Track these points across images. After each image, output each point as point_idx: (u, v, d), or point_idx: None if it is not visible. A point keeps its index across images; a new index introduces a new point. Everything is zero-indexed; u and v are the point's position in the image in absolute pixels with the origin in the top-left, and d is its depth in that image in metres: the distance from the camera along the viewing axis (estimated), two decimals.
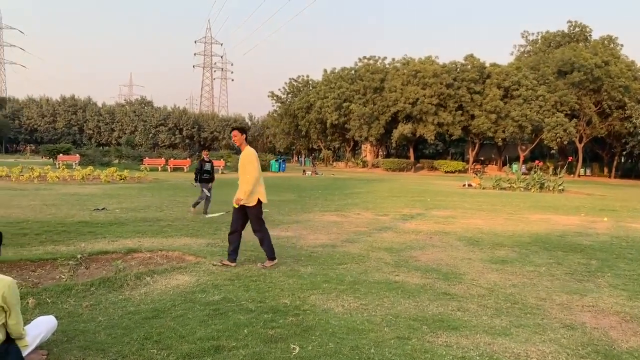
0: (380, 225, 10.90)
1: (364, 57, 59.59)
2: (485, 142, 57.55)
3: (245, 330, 4.15)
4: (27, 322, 3.59)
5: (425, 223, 11.54)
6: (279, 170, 43.40)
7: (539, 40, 58.92)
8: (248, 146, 6.72)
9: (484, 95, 50.43)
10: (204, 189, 12.37)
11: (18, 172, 21.89)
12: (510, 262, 7.41)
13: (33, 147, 76.53)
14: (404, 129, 51.75)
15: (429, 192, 22.24)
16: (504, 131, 49.85)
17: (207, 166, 12.56)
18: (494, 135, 51.17)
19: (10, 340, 3.31)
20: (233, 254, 6.59)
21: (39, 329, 3.60)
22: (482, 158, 59.90)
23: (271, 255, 6.64)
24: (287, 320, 4.43)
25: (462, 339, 4.15)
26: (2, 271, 3.42)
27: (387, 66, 58.21)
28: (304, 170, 43.22)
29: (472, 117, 51.30)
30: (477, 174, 34.21)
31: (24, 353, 3.36)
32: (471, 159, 56.35)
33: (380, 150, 65.12)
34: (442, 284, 5.97)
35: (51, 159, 40.71)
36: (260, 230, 6.64)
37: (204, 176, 12.46)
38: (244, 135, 6.71)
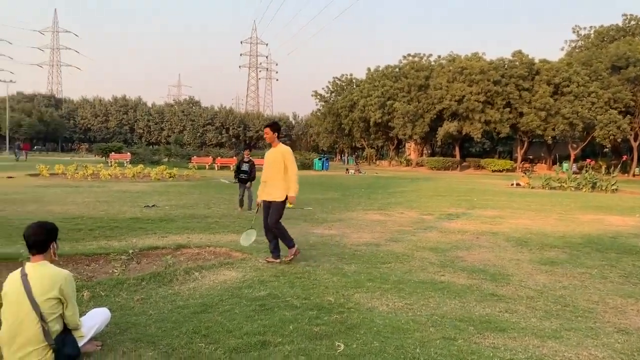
0: (424, 225, 10.79)
1: (409, 55, 58.98)
2: (534, 140, 55.91)
3: (291, 327, 4.20)
4: (82, 314, 3.75)
5: (471, 223, 11.34)
6: (322, 169, 43.57)
7: (592, 35, 56.78)
8: (281, 143, 6.76)
9: (532, 92, 48.99)
10: (240, 188, 12.66)
11: (73, 170, 22.79)
12: (560, 263, 7.20)
13: (87, 146, 79.52)
14: (449, 127, 50.94)
15: (476, 192, 21.82)
16: (554, 129, 48.28)
17: (245, 166, 12.77)
18: (544, 133, 49.63)
19: (67, 331, 3.46)
20: (276, 251, 6.67)
21: (93, 321, 3.75)
22: (530, 157, 58.20)
23: (277, 254, 6.63)
24: (331, 318, 4.45)
25: (510, 341, 4.07)
26: (58, 265, 3.59)
27: (433, 63, 57.39)
28: (347, 169, 43.18)
29: (521, 114, 49.92)
30: (525, 173, 33.28)
31: (80, 343, 3.51)
32: (519, 158, 54.85)
33: (424, 148, 64.29)
34: (489, 285, 5.86)
35: (104, 157, 42.21)
36: (278, 227, 6.61)
37: (241, 176, 12.70)
38: (276, 133, 6.70)
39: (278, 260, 6.62)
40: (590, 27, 57.67)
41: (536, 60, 50.85)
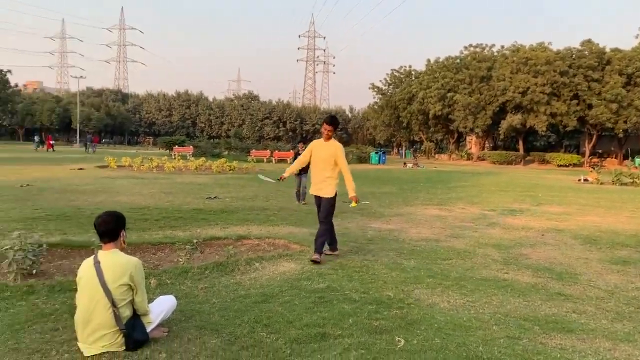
0: (487, 221, 10.50)
1: (470, 45, 57.39)
2: (603, 133, 53.08)
3: (350, 320, 4.20)
4: (150, 301, 3.89)
5: (536, 219, 10.94)
6: (379, 163, 43.22)
7: None
8: (334, 139, 6.51)
9: (602, 83, 46.53)
10: (296, 180, 12.75)
11: (139, 162, 23.75)
12: (633, 263, 6.82)
13: (151, 139, 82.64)
14: (512, 119, 49.21)
15: (540, 187, 21.02)
16: (625, 122, 45.72)
17: None
18: (614, 126, 47.07)
19: (136, 317, 3.61)
20: (333, 243, 6.66)
21: (161, 307, 3.89)
22: (599, 151, 55.34)
23: (320, 250, 6.30)
24: (391, 313, 4.42)
25: (579, 343, 3.90)
26: (127, 253, 3.74)
27: (495, 54, 55.61)
28: (404, 163, 42.69)
29: (589, 106, 47.54)
30: (594, 168, 31.72)
31: (148, 329, 3.65)
32: (587, 152, 52.34)
33: (486, 142, 62.49)
34: (555, 284, 5.63)
35: (167, 150, 43.71)
36: (327, 222, 6.41)
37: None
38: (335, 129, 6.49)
39: (337, 252, 6.63)
40: None
41: (607, 50, 48.24)
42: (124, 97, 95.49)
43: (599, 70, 47.13)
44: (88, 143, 50.31)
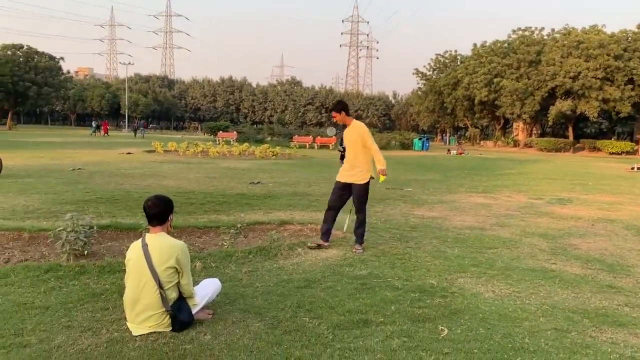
0: (534, 210, 10.22)
1: (519, 29, 55.63)
2: None
3: (393, 307, 4.18)
4: (195, 283, 3.98)
5: (586, 209, 10.57)
6: (422, 149, 42.69)
7: None
8: (355, 120, 6.27)
9: None
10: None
11: (185, 147, 24.26)
12: None
13: (197, 125, 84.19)
14: (562, 105, 47.50)
15: (591, 175, 20.29)
16: None
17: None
18: None
19: (182, 299, 3.69)
20: (327, 234, 6.29)
21: (206, 290, 3.97)
22: None
23: (361, 240, 6.20)
24: (434, 301, 4.37)
25: (632, 338, 3.76)
26: (173, 236, 3.83)
27: (545, 37, 53.71)
28: (448, 150, 41.99)
29: None
30: None
31: (193, 311, 3.74)
32: None
33: (534, 128, 60.70)
34: (606, 276, 5.44)
35: (212, 136, 44.44)
36: (363, 211, 6.22)
37: (344, 153, 12.71)
38: (343, 113, 6.17)
39: (327, 244, 6.27)
40: None
41: None
42: (170, 83, 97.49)
43: None
44: (140, 128, 52.16)
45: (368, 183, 6.19)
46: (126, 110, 74.22)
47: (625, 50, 45.27)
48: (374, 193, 11.78)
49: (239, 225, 6.60)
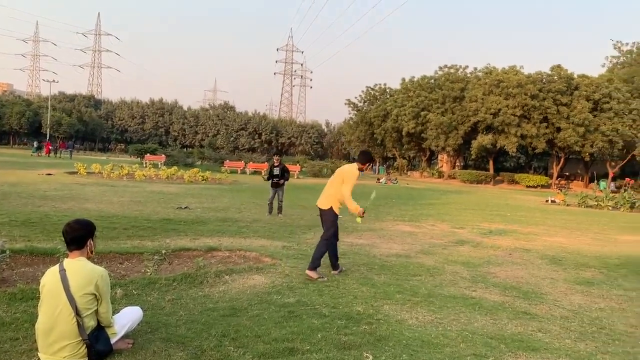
0: (456, 238, 10.63)
1: (445, 66, 58.40)
2: (570, 156, 54.48)
3: (319, 335, 4.18)
4: (115, 311, 3.81)
5: (504, 238, 11.12)
6: None
7: (634, 51, 55.20)
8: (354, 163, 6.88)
9: (571, 108, 47.80)
10: (271, 192, 12.74)
11: (109, 170, 23.33)
12: (596, 284, 6.98)
13: (123, 147, 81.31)
14: (483, 139, 50.11)
15: (509, 207, 21.41)
16: (592, 146, 47.00)
17: (276, 170, 12.83)
18: (581, 150, 48.35)
19: (100, 328, 3.52)
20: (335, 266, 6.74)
21: (126, 319, 3.81)
22: (567, 173, 56.80)
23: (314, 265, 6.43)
24: (360, 328, 4.42)
25: None
26: (93, 262, 3.66)
27: (469, 75, 56.73)
28: (377, 179, 42.99)
29: (558, 129, 48.77)
30: (561, 190, 32.51)
31: (112, 340, 3.57)
32: (555, 174, 53.61)
33: (457, 161, 63.49)
34: (522, 303, 5.72)
35: (139, 158, 43.07)
36: (327, 240, 6.66)
37: (274, 180, 12.79)
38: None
39: (337, 272, 6.60)
40: (634, 42, 56.21)
41: (575, 75, 49.73)
42: (96, 103, 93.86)
43: (568, 95, 48.46)
44: (68, 149, 50.10)
45: (333, 213, 6.66)
46: (48, 130, 70.52)
47: (540, 90, 48.56)
48: (306, 221, 11.84)
49: (163, 252, 6.41)
